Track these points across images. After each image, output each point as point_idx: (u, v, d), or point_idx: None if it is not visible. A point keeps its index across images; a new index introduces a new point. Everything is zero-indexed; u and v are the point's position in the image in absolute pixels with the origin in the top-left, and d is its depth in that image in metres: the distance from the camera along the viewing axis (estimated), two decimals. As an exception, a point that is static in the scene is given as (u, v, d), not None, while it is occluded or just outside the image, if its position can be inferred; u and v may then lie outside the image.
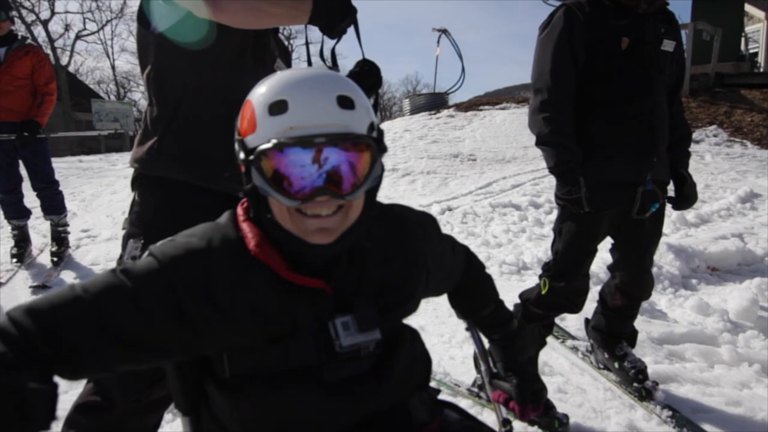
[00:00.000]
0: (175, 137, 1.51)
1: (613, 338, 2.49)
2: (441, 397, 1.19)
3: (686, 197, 2.25)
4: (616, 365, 2.47)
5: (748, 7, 13.35)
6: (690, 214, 5.36)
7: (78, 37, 27.20)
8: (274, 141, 0.86)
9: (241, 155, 0.91)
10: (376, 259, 1.01)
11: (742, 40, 13.04)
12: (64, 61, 26.51)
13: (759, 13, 15.77)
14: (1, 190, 4.31)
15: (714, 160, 8.12)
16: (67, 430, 1.47)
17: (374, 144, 0.91)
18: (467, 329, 1.41)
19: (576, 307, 2.28)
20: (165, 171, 1.52)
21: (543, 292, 2.24)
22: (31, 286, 3.87)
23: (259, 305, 0.91)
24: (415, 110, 12.62)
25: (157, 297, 0.88)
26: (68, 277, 4.16)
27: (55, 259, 4.36)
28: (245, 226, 0.96)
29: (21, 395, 0.73)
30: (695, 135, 9.32)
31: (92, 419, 1.45)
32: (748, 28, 13.42)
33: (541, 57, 2.12)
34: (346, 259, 0.98)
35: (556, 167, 2.06)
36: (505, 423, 1.29)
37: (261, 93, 0.90)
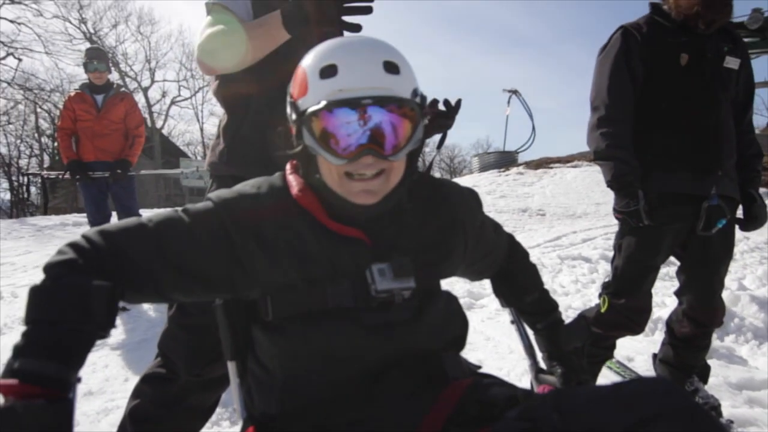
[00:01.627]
0: (242, 142, 1.64)
1: (682, 372, 2.34)
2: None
3: (755, 217, 2.17)
4: None
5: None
6: (779, 270, 5.01)
7: (173, 102, 29.63)
8: (324, 102, 0.94)
9: (293, 117, 1.00)
10: (416, 218, 1.06)
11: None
12: (159, 124, 28.84)
13: None
14: (92, 221, 4.70)
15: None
16: (133, 400, 1.58)
17: (417, 108, 0.98)
18: (512, 321, 1.40)
19: (637, 327, 2.19)
20: (235, 170, 1.64)
21: (603, 310, 2.19)
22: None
23: (300, 247, 0.98)
24: (484, 168, 12.71)
25: (211, 232, 0.97)
26: (145, 305, 4.40)
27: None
28: (291, 178, 1.05)
29: (86, 290, 0.82)
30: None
31: (157, 390, 1.56)
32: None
33: (599, 76, 2.16)
34: (387, 217, 1.03)
35: (614, 180, 2.05)
36: (539, 372, 1.26)
37: (312, 58, 1.00)
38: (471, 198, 1.19)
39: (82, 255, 0.90)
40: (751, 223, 2.18)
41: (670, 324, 2.38)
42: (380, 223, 1.03)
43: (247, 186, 1.04)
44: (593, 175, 10.25)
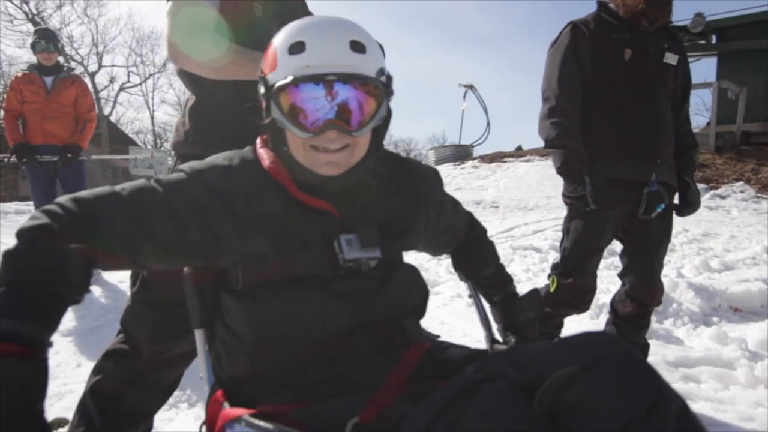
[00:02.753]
0: (209, 122, 1.64)
1: None
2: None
3: (690, 203, 2.32)
4: None
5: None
6: (714, 261, 5.31)
7: (122, 89, 28.65)
8: (291, 77, 0.98)
9: (262, 90, 1.04)
10: (380, 193, 1.12)
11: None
12: (106, 111, 27.83)
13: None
14: (38, 206, 4.55)
15: (741, 215, 8.06)
16: (95, 376, 1.57)
17: (382, 87, 1.03)
18: (470, 295, 1.47)
19: (583, 305, 2.33)
20: (200, 150, 1.65)
21: (552, 289, 2.31)
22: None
23: (271, 216, 1.02)
24: (439, 161, 12.87)
25: (183, 201, 1.00)
26: (97, 291, 4.30)
27: (84, 275, 4.52)
28: (261, 151, 1.08)
29: (62, 253, 0.84)
30: (721, 191, 9.30)
31: (119, 366, 1.56)
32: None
33: (549, 68, 2.28)
34: (354, 192, 1.08)
35: (563, 167, 2.18)
36: (493, 342, 1.34)
37: (283, 36, 1.04)
38: (433, 175, 1.25)
39: (56, 220, 0.91)
40: (686, 209, 2.32)
41: (613, 304, 2.51)
42: (348, 196, 1.08)
43: (219, 158, 1.07)
44: (544, 170, 10.55)
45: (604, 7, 2.27)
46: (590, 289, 2.33)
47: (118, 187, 1.01)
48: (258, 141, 1.12)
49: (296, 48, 1.00)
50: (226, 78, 1.53)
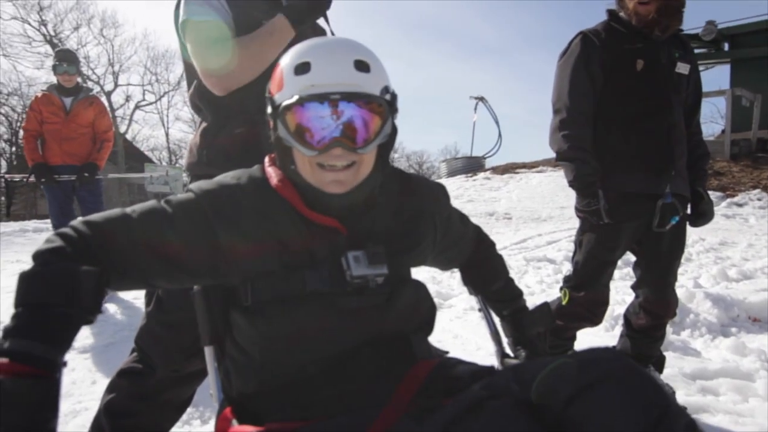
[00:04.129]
0: (223, 144, 1.65)
1: (639, 362, 2.40)
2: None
3: (703, 214, 2.30)
4: None
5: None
6: (732, 270, 5.23)
7: (137, 107, 29.11)
8: (296, 97, 1.00)
9: (269, 110, 1.06)
10: (388, 210, 1.13)
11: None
12: (122, 129, 28.27)
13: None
14: (56, 225, 4.62)
15: (758, 223, 7.95)
16: (109, 394, 1.59)
17: (386, 105, 1.05)
18: (480, 309, 1.47)
19: (596, 318, 2.31)
20: (215, 171, 1.66)
21: (564, 302, 2.29)
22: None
23: (280, 234, 1.04)
24: (451, 173, 12.87)
25: (193, 222, 1.02)
26: (112, 308, 4.35)
27: (101, 292, 4.57)
28: (270, 170, 1.10)
29: (75, 274, 0.86)
30: (738, 199, 9.18)
31: (133, 384, 1.58)
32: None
33: (560, 80, 2.25)
34: (361, 209, 1.10)
35: (575, 181, 2.15)
36: (504, 356, 1.33)
37: (289, 57, 1.06)
38: (439, 191, 1.26)
39: (69, 243, 0.94)
40: (699, 219, 2.29)
41: (627, 317, 2.48)
42: (355, 213, 1.09)
43: (227, 177, 1.10)
44: (558, 180, 10.52)
45: (615, 16, 2.25)
46: (603, 302, 2.31)
47: (128, 210, 1.03)
48: (266, 160, 1.14)
49: (302, 68, 1.02)
50: (250, 74, 1.52)
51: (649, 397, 0.74)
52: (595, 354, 0.82)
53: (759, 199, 9.11)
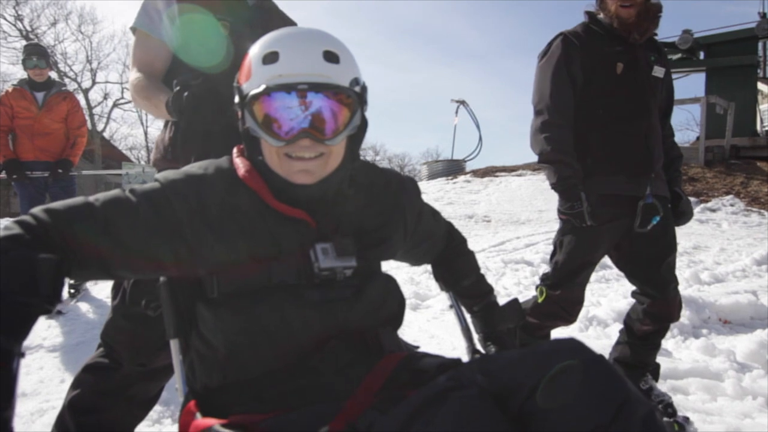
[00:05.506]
0: (187, 139, 1.63)
1: (638, 370, 2.40)
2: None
3: (683, 213, 2.31)
4: None
5: (761, 86, 13.64)
6: (704, 274, 5.32)
7: (115, 105, 28.64)
8: (263, 86, 1.00)
9: (237, 100, 1.05)
10: (358, 202, 1.13)
11: (758, 118, 13.27)
12: (100, 127, 27.80)
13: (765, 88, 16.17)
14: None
15: (731, 228, 8.11)
16: (73, 390, 1.55)
17: (355, 96, 1.04)
18: (451, 305, 1.47)
19: (571, 317, 2.31)
20: (179, 165, 1.65)
21: (540, 300, 2.28)
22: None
23: (246, 225, 1.02)
24: (432, 176, 12.91)
25: (158, 211, 1.00)
26: (84, 307, 4.27)
27: (72, 291, 4.48)
28: (237, 160, 1.09)
29: (32, 262, 0.83)
30: (712, 204, 9.36)
31: (99, 379, 1.55)
32: (762, 107, 13.65)
33: (540, 81, 2.23)
34: (330, 201, 1.09)
35: (558, 183, 2.14)
36: (474, 352, 1.33)
37: (258, 46, 1.05)
38: (411, 185, 1.26)
39: (28, 230, 0.91)
40: (680, 219, 2.31)
41: (629, 324, 2.42)
42: (324, 205, 1.08)
43: (194, 167, 1.08)
44: (537, 184, 10.60)
45: (593, 18, 2.25)
46: (578, 301, 2.30)
47: (91, 198, 1.00)
48: (234, 150, 1.13)
49: (270, 58, 1.01)
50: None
51: (609, 387, 0.75)
52: (558, 345, 0.82)
53: (732, 205, 9.29)
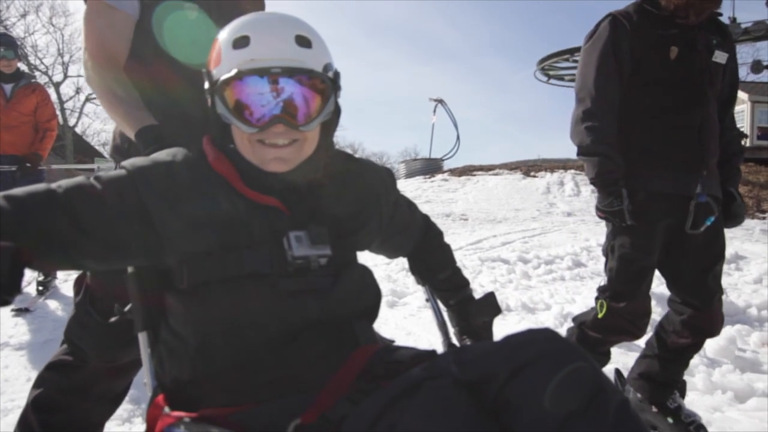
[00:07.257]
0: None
1: (667, 388, 2.18)
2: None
3: (735, 216, 2.10)
4: (670, 420, 2.13)
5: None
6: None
7: (87, 99, 28.02)
8: (235, 70, 0.97)
9: (207, 86, 1.02)
10: (333, 191, 1.11)
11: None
12: (72, 122, 27.23)
13: (743, 95, 16.60)
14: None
15: (701, 227, 8.27)
16: (36, 389, 1.50)
17: (329, 82, 1.02)
18: (427, 300, 1.46)
19: (639, 331, 2.10)
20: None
21: (600, 315, 2.07)
22: (13, 309, 3.86)
23: (216, 213, 1.00)
24: (410, 174, 12.94)
25: (123, 199, 0.97)
26: (53, 304, 4.17)
27: (40, 288, 4.36)
28: (207, 147, 1.06)
29: None
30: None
31: (63, 377, 1.50)
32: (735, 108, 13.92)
33: (585, 66, 2.04)
34: (304, 189, 1.07)
35: (597, 178, 1.95)
36: (450, 346, 1.32)
37: (227, 31, 1.03)
38: (386, 174, 1.25)
39: None
40: (730, 222, 2.10)
41: (661, 335, 2.19)
42: (298, 193, 1.06)
43: (162, 154, 1.05)
44: (513, 183, 10.73)
45: None
46: (646, 313, 2.07)
47: (54, 185, 0.97)
48: (205, 138, 1.10)
49: (240, 42, 0.99)
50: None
51: (583, 377, 0.74)
52: (531, 335, 0.81)
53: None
